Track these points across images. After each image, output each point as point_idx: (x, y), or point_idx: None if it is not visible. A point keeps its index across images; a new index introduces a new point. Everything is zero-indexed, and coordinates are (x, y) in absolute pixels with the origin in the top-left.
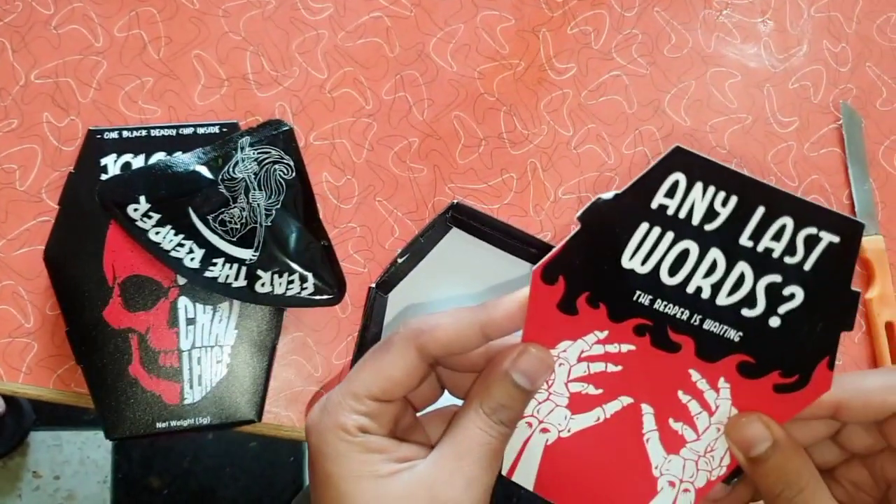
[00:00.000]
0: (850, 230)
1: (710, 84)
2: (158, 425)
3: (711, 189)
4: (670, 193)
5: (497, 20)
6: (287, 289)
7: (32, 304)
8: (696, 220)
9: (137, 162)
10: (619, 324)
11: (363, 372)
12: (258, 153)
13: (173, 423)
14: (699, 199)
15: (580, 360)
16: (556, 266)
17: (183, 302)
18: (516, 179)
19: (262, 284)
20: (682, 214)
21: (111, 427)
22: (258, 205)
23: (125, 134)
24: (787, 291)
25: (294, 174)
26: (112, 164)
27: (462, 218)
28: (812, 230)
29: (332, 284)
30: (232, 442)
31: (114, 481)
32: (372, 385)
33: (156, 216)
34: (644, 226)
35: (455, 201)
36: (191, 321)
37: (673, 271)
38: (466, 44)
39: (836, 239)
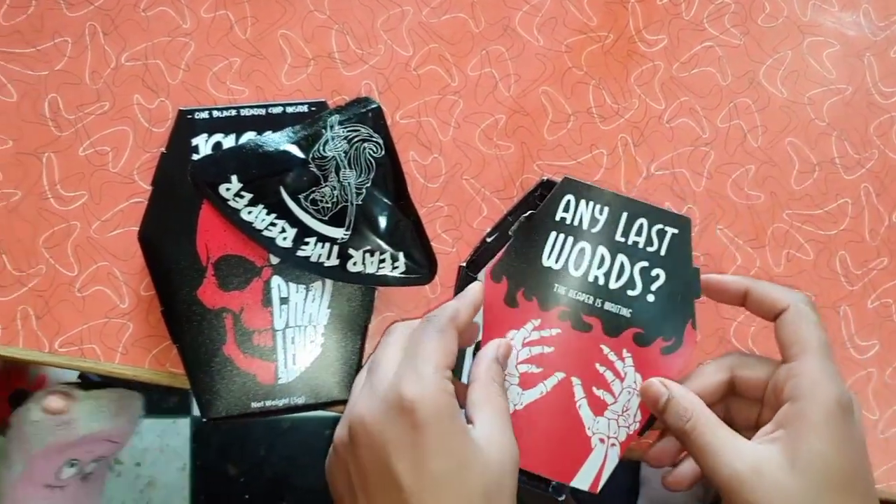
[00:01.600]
0: (682, 224)
1: (807, 54)
2: (253, 405)
3: (591, 203)
4: (566, 209)
5: None
6: (378, 268)
7: (127, 284)
8: (585, 227)
9: (228, 141)
10: (548, 312)
11: (440, 350)
12: (348, 131)
13: (268, 403)
14: (585, 211)
15: (524, 345)
16: (499, 268)
17: (276, 281)
18: (606, 155)
19: (354, 263)
20: (576, 223)
21: (207, 407)
22: (349, 183)
23: (215, 114)
24: (653, 273)
25: (383, 152)
26: (203, 144)
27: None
28: (659, 226)
29: (423, 264)
30: (307, 431)
31: (192, 469)
32: (449, 359)
33: (248, 195)
34: (553, 234)
35: (545, 178)
36: (284, 300)
37: (577, 266)
38: (553, 17)
39: (675, 231)
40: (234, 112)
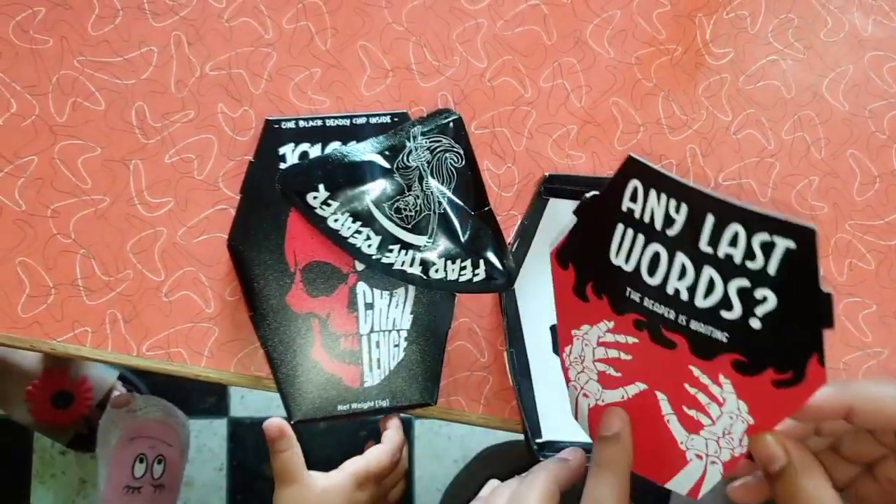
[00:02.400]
0: (803, 236)
1: (868, 68)
2: (339, 408)
3: (664, 196)
4: (633, 198)
5: (653, 5)
6: (460, 275)
7: (212, 289)
8: (658, 225)
9: (314, 151)
10: (621, 316)
11: None
12: (430, 142)
13: (354, 406)
14: (657, 205)
15: (599, 343)
16: (565, 252)
17: (361, 287)
18: (675, 165)
19: (436, 270)
20: (646, 219)
21: (294, 409)
22: (431, 192)
23: (301, 124)
24: (758, 295)
25: (464, 162)
26: (290, 154)
27: (555, 186)
28: (765, 236)
29: (502, 271)
30: (342, 432)
31: (229, 469)
32: None
33: (334, 204)
34: (620, 226)
35: (547, 175)
36: (369, 306)
37: (651, 272)
38: (623, 30)
39: (791, 244)
40: (319, 122)
